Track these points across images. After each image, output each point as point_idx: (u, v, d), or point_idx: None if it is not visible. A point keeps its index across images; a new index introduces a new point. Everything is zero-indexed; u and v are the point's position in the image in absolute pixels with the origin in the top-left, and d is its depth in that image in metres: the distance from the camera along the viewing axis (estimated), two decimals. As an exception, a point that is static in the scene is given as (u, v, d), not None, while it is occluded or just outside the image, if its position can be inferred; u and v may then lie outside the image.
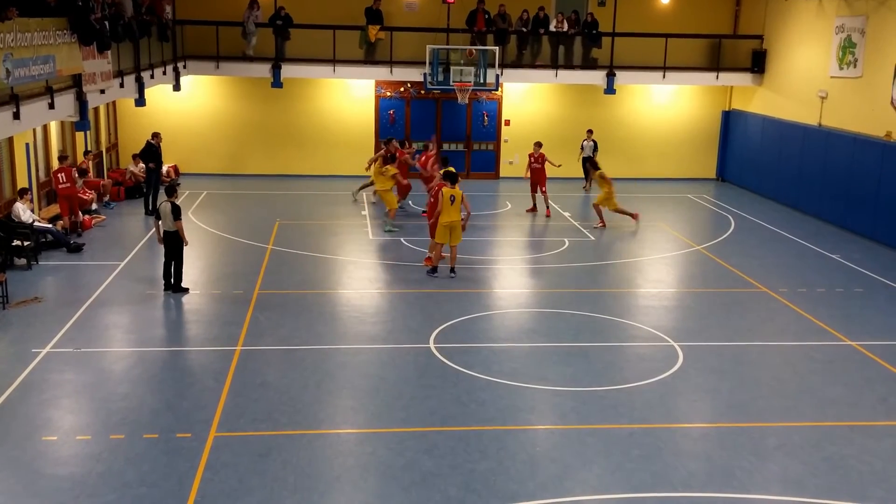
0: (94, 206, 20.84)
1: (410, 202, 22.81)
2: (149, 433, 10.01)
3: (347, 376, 11.92)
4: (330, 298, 15.44)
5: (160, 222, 15.11)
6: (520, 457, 9.71)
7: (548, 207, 22.41)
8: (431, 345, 13.05)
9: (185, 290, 15.33)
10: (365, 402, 11.14)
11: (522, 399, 11.28)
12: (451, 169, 17.16)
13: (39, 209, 19.07)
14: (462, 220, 16.67)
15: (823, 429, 10.65)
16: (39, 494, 8.68)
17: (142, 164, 24.46)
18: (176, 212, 14.92)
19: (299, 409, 10.77)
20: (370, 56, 26.24)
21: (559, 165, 23.39)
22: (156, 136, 22.16)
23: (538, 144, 22.71)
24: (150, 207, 21.51)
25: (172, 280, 15.29)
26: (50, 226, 17.87)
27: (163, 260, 15.43)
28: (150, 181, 21.89)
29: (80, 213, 19.37)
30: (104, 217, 20.55)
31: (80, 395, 11.06)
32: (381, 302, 15.34)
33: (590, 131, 26.67)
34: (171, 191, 15.27)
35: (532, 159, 22.34)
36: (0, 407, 10.58)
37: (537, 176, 22.27)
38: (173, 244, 15.12)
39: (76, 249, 17.65)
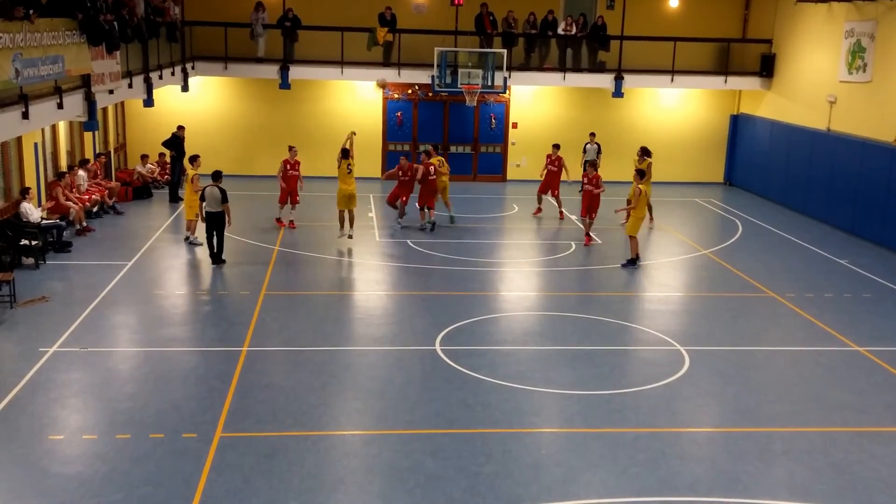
0: (94, 209, 20.80)
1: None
2: (155, 433, 10.02)
3: (353, 378, 11.92)
4: (336, 300, 15.45)
5: (204, 203, 16.90)
6: (525, 460, 9.70)
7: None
8: (437, 347, 13.04)
9: (224, 262, 17.16)
10: (370, 403, 11.14)
11: (528, 402, 11.27)
12: None
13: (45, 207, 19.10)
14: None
15: (830, 434, 10.61)
16: (45, 493, 8.70)
17: (149, 165, 24.91)
18: (223, 195, 16.82)
19: (305, 411, 10.77)
20: (378, 58, 26.26)
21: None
22: (181, 128, 23.96)
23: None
24: (174, 195, 23.34)
25: (215, 251, 17.08)
26: (59, 222, 17.95)
27: (205, 239, 17.37)
28: (175, 170, 23.64)
29: (83, 215, 19.42)
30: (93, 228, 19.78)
31: (87, 395, 11.09)
32: (388, 304, 15.34)
33: (592, 134, 26.60)
34: (217, 177, 17.04)
35: None
36: (7, 406, 10.62)
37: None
38: (218, 222, 16.93)
39: (64, 247, 17.66)
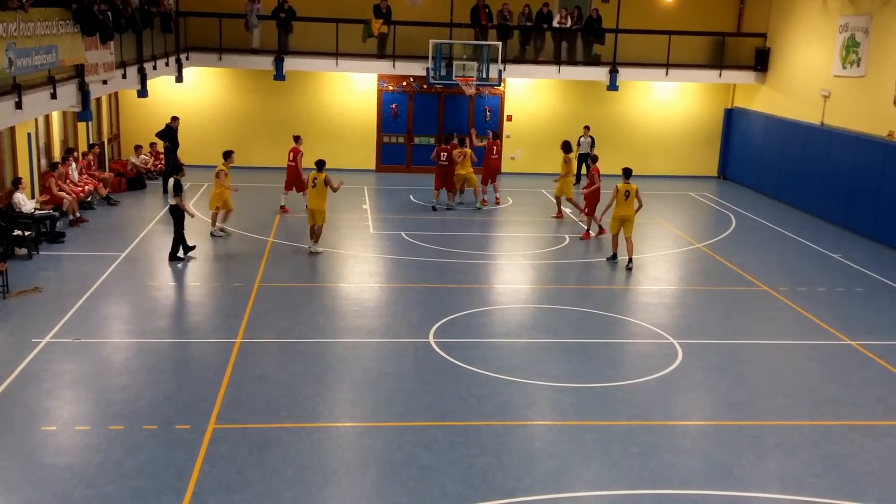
0: (88, 199, 20.73)
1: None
2: (148, 424, 10.02)
3: (347, 370, 11.93)
4: (330, 292, 15.45)
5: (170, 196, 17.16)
6: (518, 452, 9.72)
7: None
8: (431, 339, 13.05)
9: (178, 259, 16.72)
10: (364, 395, 11.15)
11: (521, 395, 11.29)
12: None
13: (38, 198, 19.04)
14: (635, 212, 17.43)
15: (822, 428, 10.66)
16: (38, 484, 8.69)
17: (143, 156, 24.81)
18: (176, 188, 16.46)
19: (298, 402, 10.78)
20: (373, 50, 26.21)
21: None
22: (175, 119, 23.90)
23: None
24: (167, 186, 22.96)
25: (171, 247, 16.75)
26: (52, 212, 17.90)
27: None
28: (168, 161, 23.45)
29: (77, 206, 19.36)
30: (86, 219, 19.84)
31: (80, 386, 11.07)
32: (382, 296, 15.34)
33: (587, 127, 26.64)
34: (178, 169, 17.09)
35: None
36: (0, 397, 10.62)
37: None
38: (174, 215, 16.63)
39: (57, 238, 17.61)
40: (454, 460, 9.45)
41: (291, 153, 21.34)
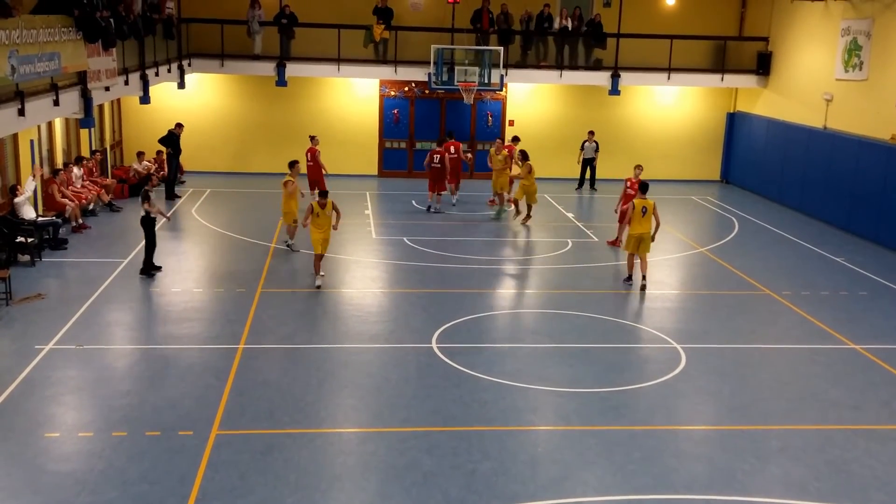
0: (91, 206, 20.75)
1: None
2: (151, 430, 10.02)
3: (349, 375, 11.92)
4: (333, 297, 15.44)
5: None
6: (521, 457, 9.70)
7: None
8: (434, 345, 13.04)
9: (158, 268, 16.29)
10: (367, 401, 11.14)
11: (524, 400, 11.27)
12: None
13: (43, 205, 19.04)
14: (653, 231, 16.30)
15: (826, 432, 10.63)
16: (41, 491, 8.69)
17: (146, 162, 24.81)
18: (144, 197, 16.10)
19: (301, 408, 10.77)
20: (374, 55, 26.26)
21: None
22: (179, 126, 24.08)
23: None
24: (171, 192, 23.29)
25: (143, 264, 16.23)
26: (55, 219, 17.91)
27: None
28: (171, 167, 23.74)
29: (79, 212, 19.38)
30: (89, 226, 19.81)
31: (83, 392, 11.08)
32: (384, 301, 15.34)
33: (591, 132, 26.66)
34: (146, 180, 17.17)
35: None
36: (3, 403, 10.60)
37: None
38: (146, 227, 16.10)
39: (60, 244, 17.62)
40: (457, 466, 9.44)
41: (309, 153, 21.91)
